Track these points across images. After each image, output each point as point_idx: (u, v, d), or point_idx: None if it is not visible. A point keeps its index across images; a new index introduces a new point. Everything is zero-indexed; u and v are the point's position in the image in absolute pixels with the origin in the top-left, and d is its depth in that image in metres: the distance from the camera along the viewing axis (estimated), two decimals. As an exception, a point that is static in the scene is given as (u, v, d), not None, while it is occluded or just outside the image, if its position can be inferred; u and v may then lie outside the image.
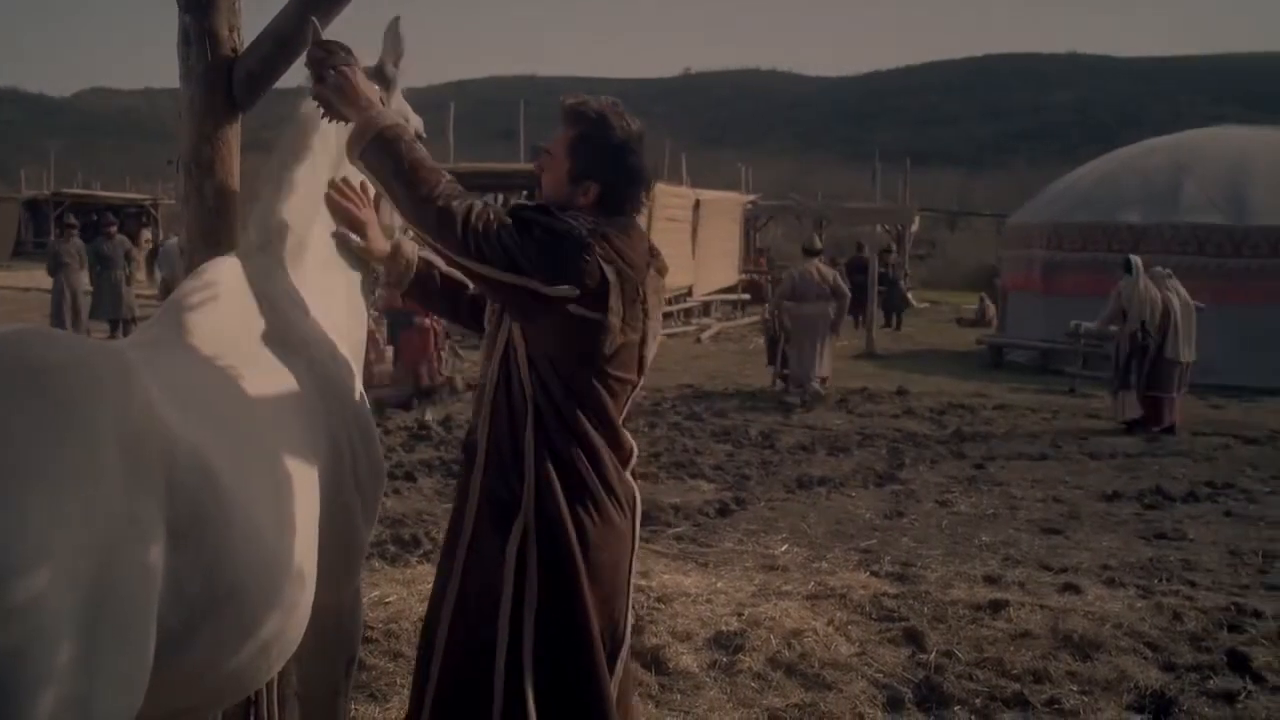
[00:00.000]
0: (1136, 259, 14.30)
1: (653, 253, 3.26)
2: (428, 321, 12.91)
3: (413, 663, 5.50)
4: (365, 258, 3.53)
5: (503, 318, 3.19)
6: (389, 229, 3.68)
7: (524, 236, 2.98)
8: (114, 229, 21.40)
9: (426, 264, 3.54)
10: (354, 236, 3.44)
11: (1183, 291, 14.09)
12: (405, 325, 13.10)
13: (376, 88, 3.29)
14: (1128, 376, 13.79)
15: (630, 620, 3.37)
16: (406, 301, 4.00)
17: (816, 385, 15.13)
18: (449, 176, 3.02)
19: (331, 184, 3.43)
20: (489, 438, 3.16)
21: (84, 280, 19.76)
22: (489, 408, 3.17)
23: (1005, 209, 37.17)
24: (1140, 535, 8.80)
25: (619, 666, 3.27)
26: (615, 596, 3.24)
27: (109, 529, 2.14)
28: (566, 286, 2.99)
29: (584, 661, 3.13)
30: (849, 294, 15.91)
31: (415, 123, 3.83)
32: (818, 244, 16.90)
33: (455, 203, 2.98)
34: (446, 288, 3.56)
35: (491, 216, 2.99)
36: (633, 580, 3.35)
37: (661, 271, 3.27)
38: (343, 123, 3.20)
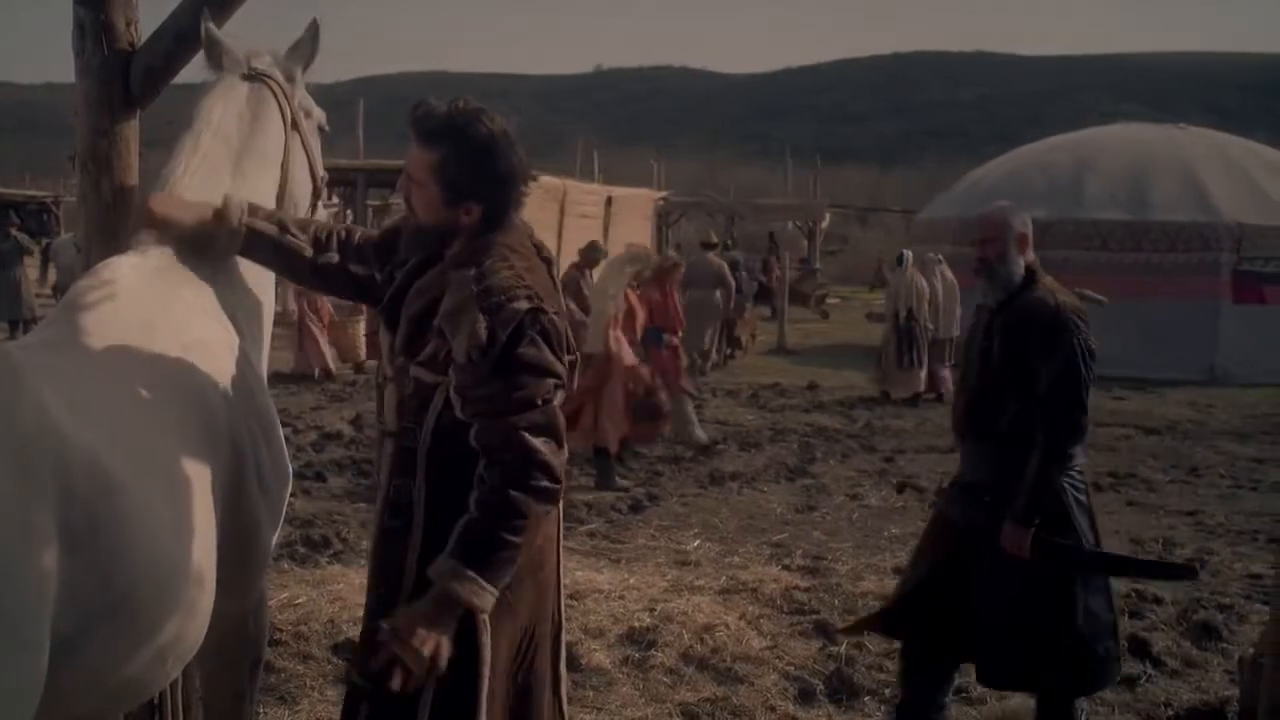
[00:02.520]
0: (908, 253, 16.14)
1: (540, 249, 3.10)
2: (676, 340, 11.79)
3: (322, 664, 5.49)
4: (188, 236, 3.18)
5: (437, 385, 2.94)
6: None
7: (531, 378, 2.82)
8: (14, 228, 20.96)
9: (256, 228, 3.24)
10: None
11: (948, 274, 15.84)
12: (655, 343, 11.42)
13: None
14: (910, 357, 15.43)
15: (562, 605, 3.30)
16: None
17: (698, 359, 16.90)
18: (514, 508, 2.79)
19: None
20: (427, 502, 2.95)
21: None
22: (424, 467, 2.95)
23: (914, 205, 37.61)
24: (1045, 525, 8.95)
25: (562, 649, 3.27)
26: (547, 600, 3.17)
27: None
28: (569, 357, 2.96)
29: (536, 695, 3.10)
30: (734, 284, 18.16)
31: (319, 116, 3.79)
32: (713, 238, 19.53)
33: (535, 497, 2.80)
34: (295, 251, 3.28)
35: (537, 424, 2.82)
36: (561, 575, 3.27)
37: (553, 264, 3.17)
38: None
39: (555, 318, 2.89)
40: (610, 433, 10.00)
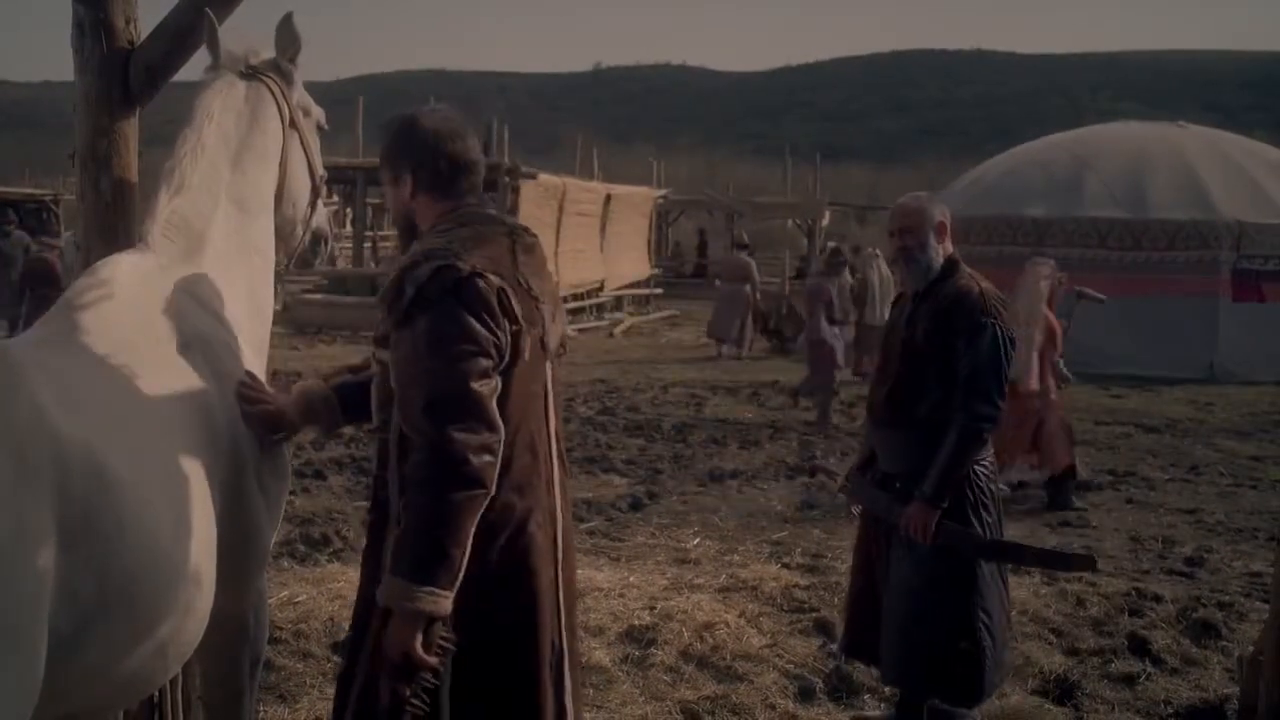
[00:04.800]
0: (837, 246, 17.51)
1: (515, 232, 3.06)
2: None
3: (322, 663, 5.48)
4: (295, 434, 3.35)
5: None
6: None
7: (443, 339, 2.74)
8: (13, 225, 20.91)
9: (337, 392, 3.30)
10: (279, 435, 3.24)
11: (884, 268, 16.89)
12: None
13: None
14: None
15: (564, 628, 3.10)
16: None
17: (731, 347, 19.95)
18: (447, 505, 2.71)
19: (239, 390, 3.16)
20: (401, 492, 2.86)
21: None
22: (396, 457, 2.89)
23: (913, 203, 37.50)
24: (1045, 523, 8.96)
25: (565, 677, 3.07)
26: (535, 617, 2.99)
27: None
28: (512, 327, 2.84)
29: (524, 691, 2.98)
30: (758, 279, 20.70)
31: (317, 114, 3.79)
32: (745, 239, 22.36)
33: (452, 488, 2.71)
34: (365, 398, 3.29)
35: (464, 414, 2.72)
36: (562, 584, 3.09)
37: (531, 249, 3.07)
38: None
39: (481, 281, 2.79)
40: (1058, 456, 9.44)
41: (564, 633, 3.08)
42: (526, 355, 2.90)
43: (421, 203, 3.08)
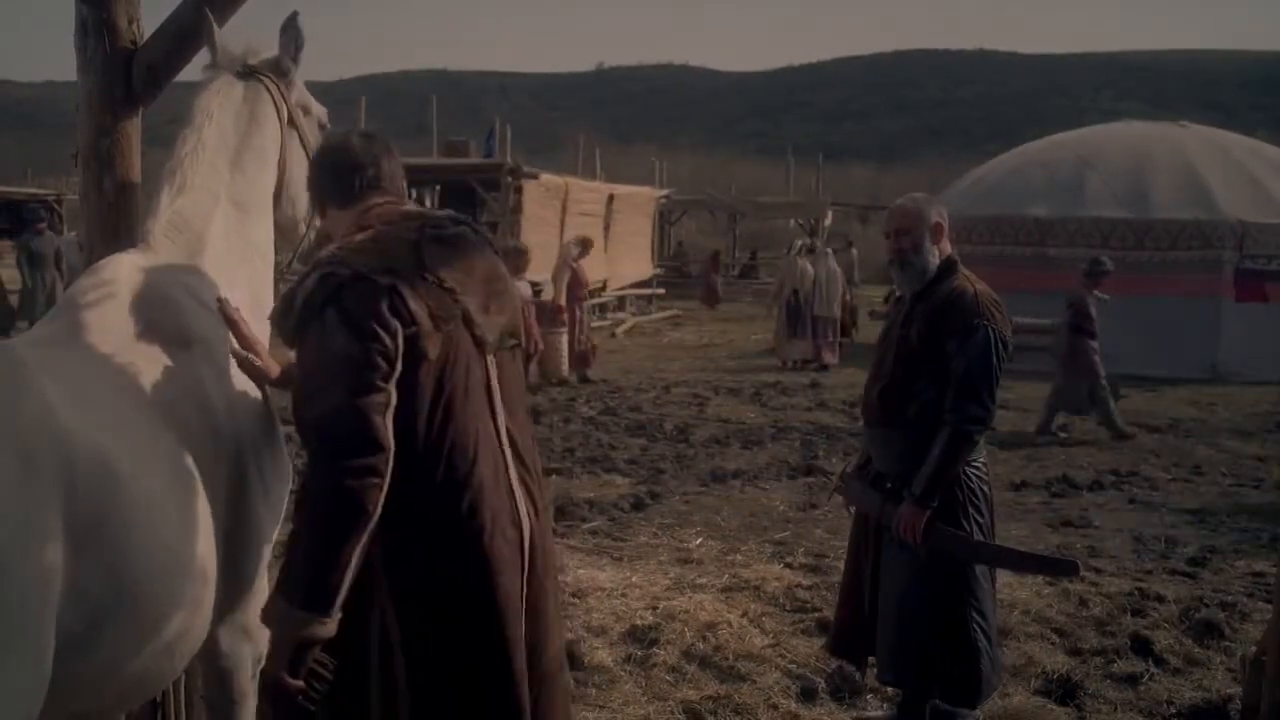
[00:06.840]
0: (798, 243, 20.59)
1: (427, 226, 2.87)
2: None
3: (324, 663, 5.48)
4: (261, 379, 3.22)
5: None
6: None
7: (316, 357, 2.66)
8: (43, 225, 20.80)
9: None
10: (254, 358, 3.14)
11: (833, 264, 19.30)
12: None
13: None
14: (794, 329, 18.60)
15: (552, 637, 2.99)
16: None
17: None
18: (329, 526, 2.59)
19: (219, 302, 3.16)
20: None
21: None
22: None
23: (915, 203, 37.52)
24: (1047, 523, 8.96)
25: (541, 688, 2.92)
26: (510, 621, 2.81)
27: (1, 530, 2.09)
28: (407, 330, 2.66)
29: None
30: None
31: (318, 113, 3.80)
32: (811, 242, 23.00)
33: (331, 507, 2.58)
34: None
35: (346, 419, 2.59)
36: (545, 594, 2.96)
37: (453, 240, 2.88)
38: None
39: (363, 285, 2.64)
40: None
41: (545, 637, 2.94)
42: (432, 355, 2.70)
43: (331, 219, 3.05)
